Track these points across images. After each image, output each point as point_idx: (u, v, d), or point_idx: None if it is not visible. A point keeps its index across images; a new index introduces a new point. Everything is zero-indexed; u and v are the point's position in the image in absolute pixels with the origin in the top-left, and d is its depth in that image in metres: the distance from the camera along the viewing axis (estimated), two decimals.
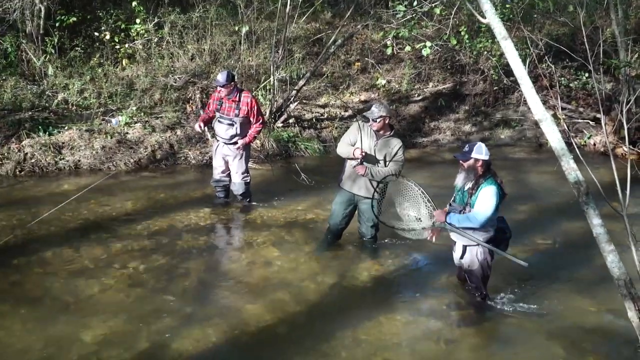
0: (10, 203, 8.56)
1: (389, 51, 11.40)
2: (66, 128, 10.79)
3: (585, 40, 6.70)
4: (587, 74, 13.93)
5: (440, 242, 7.54)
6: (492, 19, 5.37)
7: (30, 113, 10.76)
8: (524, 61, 5.56)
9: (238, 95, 8.35)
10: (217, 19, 13.88)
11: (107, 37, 12.72)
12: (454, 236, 6.15)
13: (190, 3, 14.08)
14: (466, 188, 5.94)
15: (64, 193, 9.05)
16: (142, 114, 11.63)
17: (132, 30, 12.97)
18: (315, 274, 6.95)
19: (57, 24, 12.37)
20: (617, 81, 13.87)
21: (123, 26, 13.00)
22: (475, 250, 6.03)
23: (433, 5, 9.84)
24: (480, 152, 5.83)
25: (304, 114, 13.29)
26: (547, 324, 6.06)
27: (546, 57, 12.50)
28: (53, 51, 12.08)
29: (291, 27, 13.89)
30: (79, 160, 10.37)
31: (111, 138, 10.82)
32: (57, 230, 7.56)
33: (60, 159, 10.27)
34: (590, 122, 14.01)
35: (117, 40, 12.82)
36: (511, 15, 12.57)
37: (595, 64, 8.17)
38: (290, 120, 12.70)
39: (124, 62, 12.80)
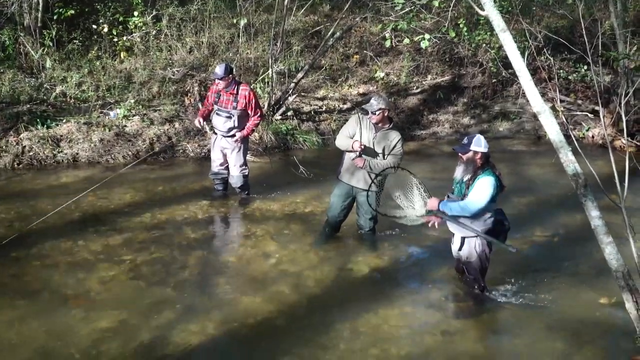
0: (8, 196, 8.56)
1: (387, 44, 11.39)
2: (64, 121, 10.77)
3: (584, 32, 6.70)
4: (585, 67, 13.91)
5: (438, 234, 7.58)
6: (490, 11, 5.36)
7: (28, 106, 10.74)
8: (522, 54, 5.56)
9: (236, 88, 8.34)
10: (215, 11, 13.85)
11: (105, 29, 12.69)
12: (452, 228, 6.15)
13: None
14: (464, 180, 5.95)
15: (63, 186, 9.07)
16: (141, 106, 11.61)
17: (130, 23, 12.94)
18: (314, 266, 6.96)
19: (55, 17, 12.34)
20: (616, 73, 13.86)
21: (121, 19, 12.97)
22: (474, 242, 6.04)
23: None
24: (479, 144, 5.83)
25: (303, 107, 13.28)
26: (545, 316, 6.08)
27: (545, 50, 12.48)
28: (51, 44, 12.05)
29: (289, 19, 13.86)
30: (77, 153, 10.36)
31: (109, 131, 10.81)
32: (56, 223, 7.55)
33: (59, 152, 10.26)
34: (589, 115, 13.99)
35: (115, 33, 12.79)
36: (510, 8, 12.55)
37: (594, 56, 8.16)
38: (289, 113, 12.69)
39: (122, 54, 12.77)
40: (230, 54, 13.24)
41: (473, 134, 6.09)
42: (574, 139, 5.69)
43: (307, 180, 9.77)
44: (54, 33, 12.06)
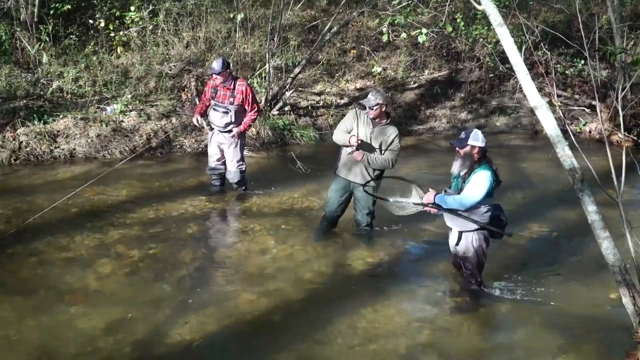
0: (5, 192, 8.54)
1: (384, 38, 11.38)
2: (61, 116, 10.74)
3: (581, 27, 6.70)
4: (583, 61, 13.91)
5: (436, 229, 7.59)
6: (487, 5, 5.36)
7: (24, 101, 10.71)
8: (519, 48, 5.56)
9: (233, 83, 8.32)
10: (212, 6, 13.81)
11: (102, 24, 12.64)
12: (449, 222, 6.15)
13: None
14: (461, 174, 5.95)
15: (60, 181, 9.05)
16: (137, 102, 11.59)
17: (127, 18, 12.90)
18: (311, 261, 6.96)
19: (51, 12, 12.29)
20: (613, 68, 13.85)
21: (118, 14, 12.92)
22: (471, 237, 6.04)
23: None
24: (477, 138, 5.83)
25: (300, 102, 13.27)
26: (542, 311, 6.09)
27: (542, 44, 12.48)
28: (47, 39, 12.01)
29: (287, 14, 13.84)
30: (74, 149, 10.33)
31: (106, 126, 10.78)
32: (52, 219, 7.53)
33: (56, 148, 10.24)
34: (586, 109, 13.99)
35: (111, 28, 12.74)
36: (507, 2, 12.53)
37: (591, 50, 8.16)
38: (286, 108, 12.67)
39: (119, 50, 12.73)
40: (227, 49, 13.21)
41: (470, 129, 6.09)
42: (571, 133, 5.69)
43: (305, 176, 9.77)
44: (50, 28, 12.01)
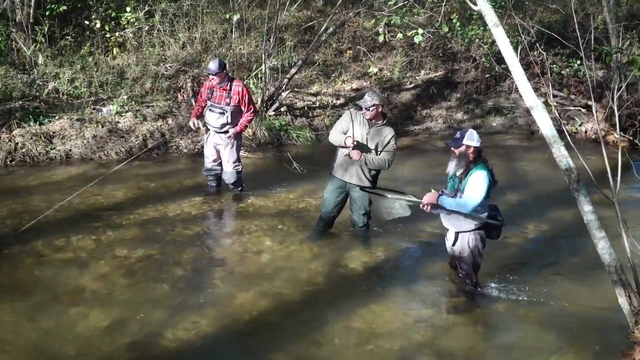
0: (0, 193, 8.52)
1: (380, 39, 11.38)
2: (57, 117, 10.72)
3: (577, 27, 6.70)
4: (578, 61, 13.92)
5: (432, 230, 7.60)
6: (483, 6, 5.37)
7: (20, 102, 10.69)
8: (515, 48, 5.57)
9: (229, 84, 8.32)
10: (208, 6, 13.80)
11: (98, 25, 12.62)
12: (446, 223, 6.15)
13: None
14: (457, 174, 5.95)
15: (56, 183, 9.04)
16: (133, 102, 11.57)
17: (123, 19, 12.88)
18: (308, 262, 6.96)
19: (47, 13, 12.28)
20: (609, 68, 13.88)
21: (113, 14, 12.91)
22: (467, 237, 6.04)
23: None
24: (472, 138, 5.83)
25: (296, 103, 13.27)
26: (538, 311, 6.10)
27: (538, 45, 12.46)
28: (43, 40, 11.99)
29: (282, 14, 13.84)
30: (70, 150, 10.32)
31: (102, 127, 10.77)
32: (49, 219, 7.51)
33: (51, 149, 10.22)
34: (582, 110, 14.02)
35: (107, 29, 12.73)
36: (502, 3, 12.54)
37: (586, 51, 8.15)
38: (282, 109, 12.66)
39: (115, 50, 12.72)
40: (223, 50, 13.20)
41: (466, 129, 6.09)
42: (566, 133, 5.71)
43: (301, 176, 9.76)
44: (46, 29, 12.00)
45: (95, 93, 11.60)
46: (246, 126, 8.70)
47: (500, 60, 12.32)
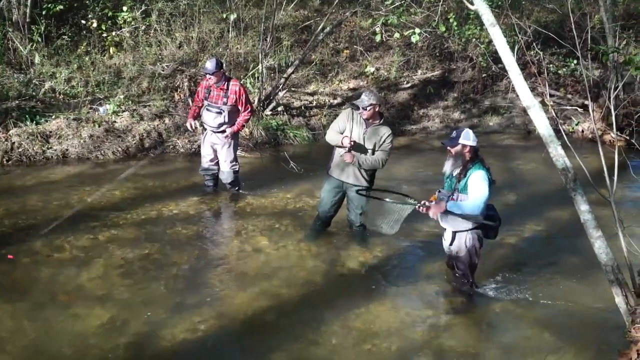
0: None
1: (377, 38, 11.40)
2: (53, 117, 10.71)
3: (574, 27, 6.71)
4: (575, 61, 13.95)
5: (429, 229, 7.60)
6: (480, 5, 5.37)
7: (17, 102, 10.67)
8: (512, 48, 5.57)
9: (226, 84, 8.31)
10: (204, 6, 13.80)
11: (94, 25, 12.61)
12: (443, 223, 6.15)
13: None
14: (454, 174, 5.96)
15: (52, 182, 9.02)
16: (130, 102, 11.56)
17: (120, 18, 12.88)
18: (305, 261, 6.96)
19: (43, 12, 12.27)
20: (605, 68, 13.91)
21: (110, 14, 12.90)
22: (464, 237, 6.05)
23: None
24: (468, 137, 5.84)
25: (293, 102, 13.27)
26: (535, 311, 6.11)
27: (534, 44, 12.50)
28: (40, 39, 11.97)
29: (279, 14, 13.83)
30: (67, 149, 10.30)
31: (99, 127, 10.76)
32: (46, 219, 7.52)
33: (48, 148, 10.21)
34: (579, 109, 14.03)
35: (104, 28, 12.73)
36: (499, 2, 12.56)
37: (583, 50, 8.17)
38: (279, 108, 12.67)
39: (112, 50, 12.71)
40: (220, 49, 13.20)
41: (462, 128, 6.10)
42: (563, 133, 5.70)
43: (298, 176, 9.77)
44: (42, 28, 11.98)
45: (92, 92, 11.58)
46: (243, 126, 8.69)
47: (497, 59, 12.37)
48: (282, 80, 12.68)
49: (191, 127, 8.65)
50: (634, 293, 5.21)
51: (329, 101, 13.53)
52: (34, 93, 11.10)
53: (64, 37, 12.24)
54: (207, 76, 8.24)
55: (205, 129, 8.60)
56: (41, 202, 7.97)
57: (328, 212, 7.41)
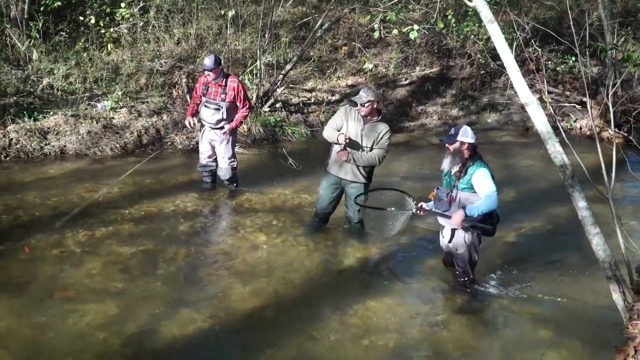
0: None
1: (376, 35, 11.36)
2: (51, 113, 10.69)
3: (572, 23, 6.70)
4: (573, 58, 13.94)
5: (427, 226, 7.60)
6: (478, 2, 5.36)
7: (15, 98, 10.65)
8: (510, 45, 5.56)
9: (224, 80, 8.30)
10: (203, 2, 13.79)
11: (92, 21, 12.58)
12: (442, 220, 6.16)
13: None
14: (453, 172, 5.96)
15: (50, 179, 9.01)
16: (128, 98, 11.55)
17: (117, 14, 12.84)
18: (303, 258, 6.97)
19: (41, 8, 12.23)
20: (604, 65, 13.90)
21: (108, 10, 12.87)
22: (463, 234, 6.05)
23: None
24: (466, 135, 5.84)
25: (291, 99, 13.25)
26: (533, 307, 6.12)
27: (533, 41, 12.49)
28: (38, 36, 11.95)
29: (278, 11, 13.82)
30: (65, 146, 10.29)
31: (97, 123, 10.75)
32: (43, 215, 7.52)
33: (46, 145, 10.20)
34: (577, 106, 14.04)
35: (102, 25, 12.69)
36: None
37: (581, 47, 8.15)
38: (277, 105, 12.66)
39: (109, 46, 12.69)
40: (218, 46, 13.19)
41: (460, 125, 6.10)
42: (561, 130, 5.69)
43: (296, 172, 9.76)
44: (40, 25, 11.96)
45: (90, 89, 11.57)
46: (241, 122, 8.69)
47: (495, 56, 12.31)
48: (280, 76, 12.67)
49: (190, 125, 8.64)
50: (631, 290, 5.21)
51: (327, 98, 13.52)
52: (31, 89, 11.08)
53: (61, 33, 12.22)
54: (206, 72, 8.23)
55: (204, 126, 8.59)
56: (39, 199, 7.97)
57: (326, 208, 7.41)
